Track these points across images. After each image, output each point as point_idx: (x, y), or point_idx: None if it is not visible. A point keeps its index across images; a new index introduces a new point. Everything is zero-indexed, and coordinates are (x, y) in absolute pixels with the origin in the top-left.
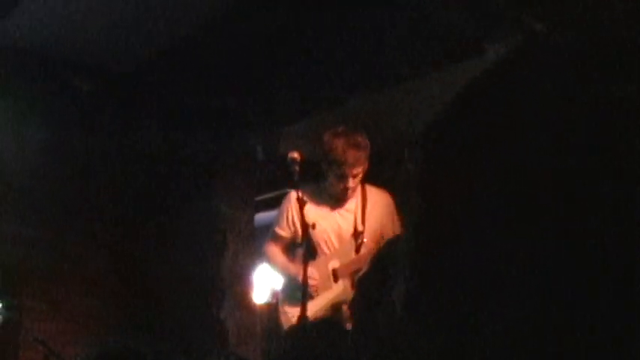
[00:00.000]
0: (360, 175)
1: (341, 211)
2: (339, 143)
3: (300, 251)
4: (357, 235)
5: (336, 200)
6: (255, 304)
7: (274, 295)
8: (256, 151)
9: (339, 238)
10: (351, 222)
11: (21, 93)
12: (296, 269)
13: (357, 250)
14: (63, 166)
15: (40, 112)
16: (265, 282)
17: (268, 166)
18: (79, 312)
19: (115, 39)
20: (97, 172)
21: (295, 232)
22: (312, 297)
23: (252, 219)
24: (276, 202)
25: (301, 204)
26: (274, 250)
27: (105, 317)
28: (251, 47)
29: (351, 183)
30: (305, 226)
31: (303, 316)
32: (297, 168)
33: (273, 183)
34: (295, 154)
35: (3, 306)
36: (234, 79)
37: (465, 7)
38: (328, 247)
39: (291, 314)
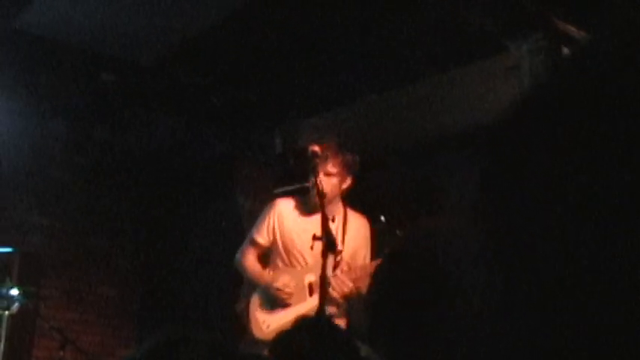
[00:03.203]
0: (334, 180)
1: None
2: (322, 145)
3: (276, 260)
4: (335, 253)
5: (316, 210)
6: None
7: None
8: (275, 143)
9: (317, 252)
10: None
11: (42, 83)
12: (270, 278)
13: (334, 268)
14: (84, 158)
15: (62, 103)
16: None
17: (287, 159)
18: (97, 301)
19: (136, 31)
20: (117, 164)
21: (274, 240)
22: (286, 306)
23: None
24: (294, 196)
25: (322, 202)
26: (249, 257)
27: (122, 307)
28: (271, 41)
29: (320, 178)
30: (325, 220)
31: (322, 302)
32: (317, 161)
33: (292, 176)
34: (316, 147)
35: (21, 293)
36: (254, 73)
37: (487, 3)
38: (305, 260)
39: (262, 320)
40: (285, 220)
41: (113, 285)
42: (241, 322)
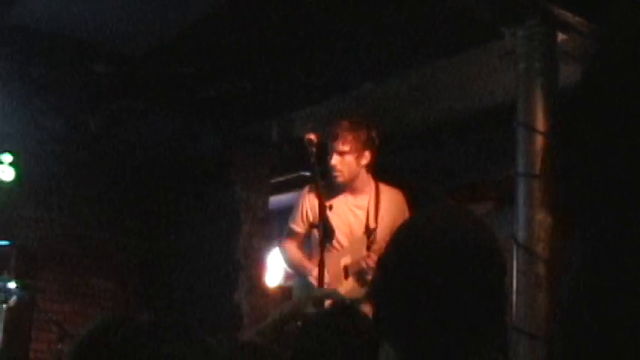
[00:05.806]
0: (349, 157)
1: (352, 207)
2: (335, 120)
3: (315, 237)
4: (369, 232)
5: (345, 193)
6: (268, 287)
7: (287, 277)
8: (271, 133)
9: (351, 234)
10: (362, 219)
11: (36, 76)
12: (311, 266)
13: (369, 247)
14: (79, 151)
15: (55, 96)
16: (278, 265)
17: (283, 149)
18: (94, 293)
19: (129, 21)
20: (111, 156)
21: (310, 227)
22: None
23: (266, 202)
24: (290, 185)
25: (317, 189)
26: (290, 247)
27: (119, 299)
28: (267, 30)
29: (334, 159)
30: (322, 208)
31: (319, 281)
32: (313, 149)
33: (288, 166)
34: (312, 136)
35: (18, 286)
36: (250, 62)
37: None
38: (339, 243)
39: None
40: (317, 205)
41: (110, 277)
42: (238, 311)
